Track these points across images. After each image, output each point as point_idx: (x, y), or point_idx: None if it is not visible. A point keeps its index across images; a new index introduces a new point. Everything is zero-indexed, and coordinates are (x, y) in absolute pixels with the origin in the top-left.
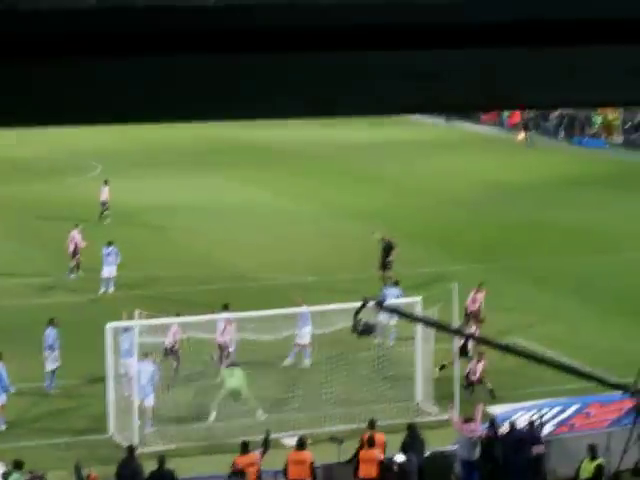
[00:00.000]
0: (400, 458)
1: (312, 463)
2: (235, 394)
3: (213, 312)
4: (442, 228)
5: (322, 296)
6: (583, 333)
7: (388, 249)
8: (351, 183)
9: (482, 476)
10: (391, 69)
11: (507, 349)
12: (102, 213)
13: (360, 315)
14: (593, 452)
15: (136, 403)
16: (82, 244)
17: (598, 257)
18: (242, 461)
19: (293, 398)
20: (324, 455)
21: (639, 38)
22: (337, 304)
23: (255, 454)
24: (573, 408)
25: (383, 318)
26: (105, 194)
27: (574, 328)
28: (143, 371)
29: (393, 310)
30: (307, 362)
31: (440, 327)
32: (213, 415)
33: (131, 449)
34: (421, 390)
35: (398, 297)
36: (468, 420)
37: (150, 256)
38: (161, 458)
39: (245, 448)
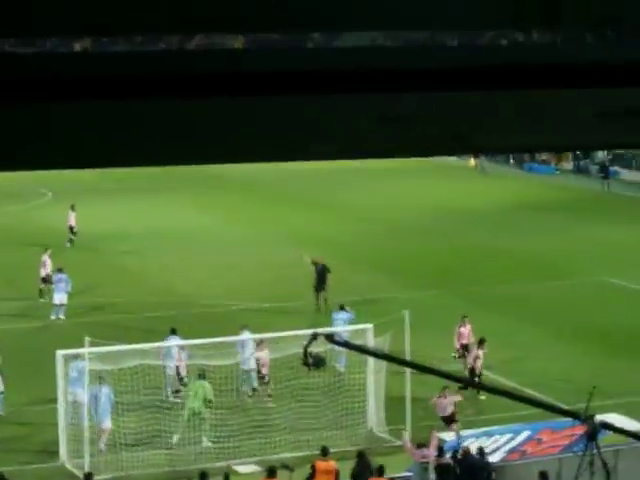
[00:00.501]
0: None
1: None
2: (196, 414)
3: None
4: (393, 255)
5: (273, 322)
6: (535, 359)
7: (322, 272)
8: (302, 209)
9: None
10: (358, 113)
11: (456, 379)
12: (70, 239)
13: (310, 348)
14: (544, 478)
15: (86, 431)
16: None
17: (551, 283)
18: None
19: (244, 425)
20: None
21: (604, 82)
22: (289, 331)
23: None
24: (524, 434)
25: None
26: (72, 219)
27: (526, 354)
28: (101, 395)
29: (344, 344)
30: (251, 387)
31: (390, 359)
32: (176, 438)
33: (88, 476)
34: (374, 416)
35: (349, 321)
36: (421, 445)
37: (100, 282)
38: None
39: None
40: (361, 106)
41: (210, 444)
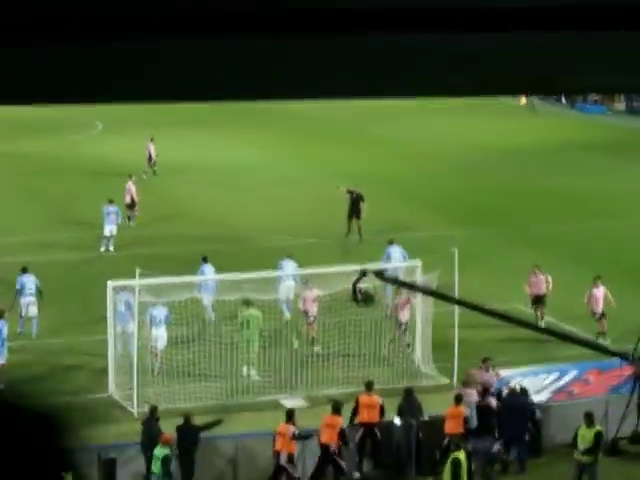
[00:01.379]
0: (397, 421)
1: (343, 429)
2: (250, 342)
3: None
4: (440, 192)
5: (321, 257)
6: (581, 300)
7: (357, 201)
8: (351, 145)
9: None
10: (438, 50)
11: (505, 317)
12: (152, 168)
13: (359, 284)
14: (590, 419)
15: (135, 362)
16: (136, 196)
17: (598, 223)
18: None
19: (292, 359)
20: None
21: None
22: (338, 266)
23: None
24: (571, 375)
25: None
26: (151, 150)
27: (572, 295)
28: (156, 315)
29: (393, 281)
30: (287, 315)
31: (439, 296)
32: (248, 369)
33: (153, 411)
34: (420, 354)
35: (402, 255)
36: (465, 384)
37: (152, 214)
38: (187, 414)
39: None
40: (442, 44)
41: (258, 377)
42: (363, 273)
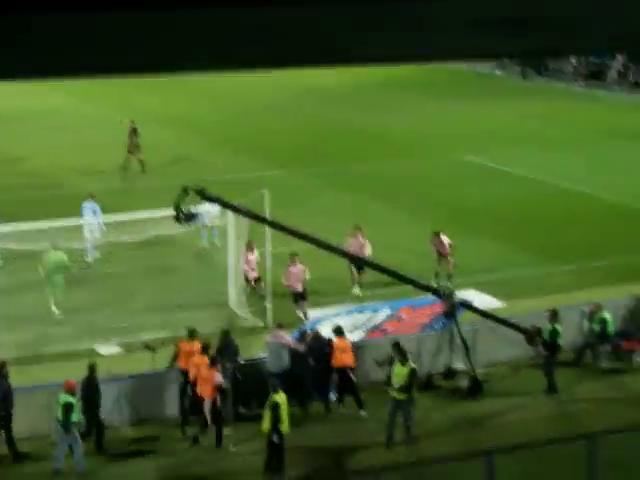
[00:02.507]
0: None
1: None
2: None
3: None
4: (253, 134)
5: (130, 203)
6: (390, 237)
7: (131, 134)
8: (160, 89)
9: (291, 386)
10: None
11: (332, 249)
12: None
13: (182, 204)
14: (398, 349)
15: None
16: None
17: (404, 161)
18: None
19: (106, 306)
20: (138, 364)
21: None
22: (150, 211)
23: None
24: (384, 313)
25: (206, 218)
26: None
27: (381, 232)
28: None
29: (216, 200)
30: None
31: (263, 220)
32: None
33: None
34: (235, 297)
35: (94, 211)
36: (279, 327)
37: None
38: (92, 365)
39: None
40: (234, 18)
41: (57, 312)
42: (185, 191)
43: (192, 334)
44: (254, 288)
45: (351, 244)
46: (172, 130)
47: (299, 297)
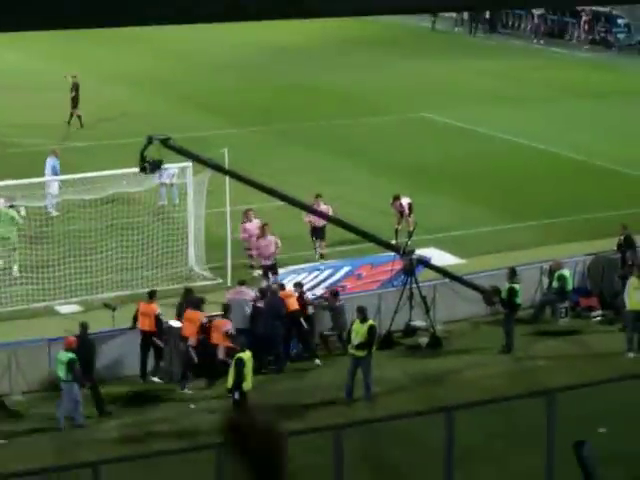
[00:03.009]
0: (176, 324)
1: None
2: (4, 239)
3: None
4: (213, 91)
5: (89, 160)
6: (353, 195)
7: (77, 88)
8: (122, 46)
9: (251, 344)
10: None
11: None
12: None
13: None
14: (363, 314)
15: None
16: None
17: (370, 119)
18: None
19: (65, 264)
20: (98, 322)
21: None
22: (109, 170)
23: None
24: (344, 270)
25: (166, 176)
26: None
27: (343, 188)
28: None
29: (178, 149)
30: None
31: (225, 172)
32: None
33: None
34: (194, 254)
35: (54, 168)
36: (242, 283)
37: None
38: (84, 324)
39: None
40: None
41: (18, 273)
42: (149, 140)
43: (152, 295)
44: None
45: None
46: (132, 87)
47: (269, 270)
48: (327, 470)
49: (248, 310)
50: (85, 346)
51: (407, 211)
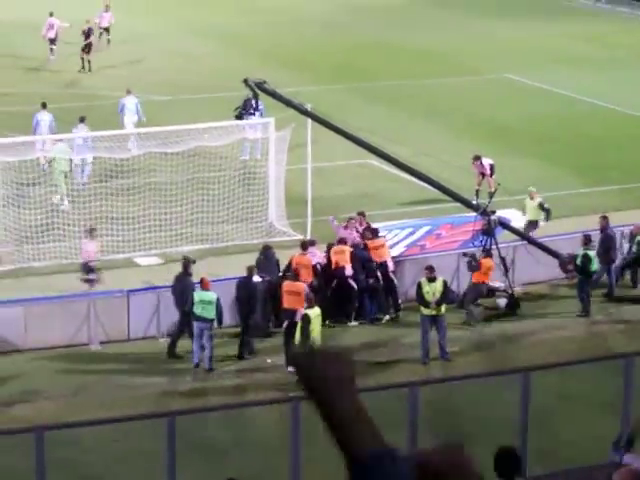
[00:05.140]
0: (256, 278)
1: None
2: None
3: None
4: (294, 47)
5: (176, 116)
6: (434, 155)
7: (88, 34)
8: (199, 1)
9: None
10: None
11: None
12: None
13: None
14: (432, 272)
15: None
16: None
17: (451, 79)
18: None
19: (145, 217)
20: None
21: None
22: (189, 124)
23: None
24: (424, 229)
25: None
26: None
27: (423, 148)
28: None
29: (272, 93)
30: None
31: (313, 117)
32: (57, 199)
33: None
34: (274, 210)
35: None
36: (311, 244)
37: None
38: (250, 267)
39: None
40: None
41: (66, 204)
42: (245, 82)
43: (308, 244)
44: None
45: None
46: (214, 42)
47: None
48: (397, 428)
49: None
50: (249, 289)
51: (488, 172)
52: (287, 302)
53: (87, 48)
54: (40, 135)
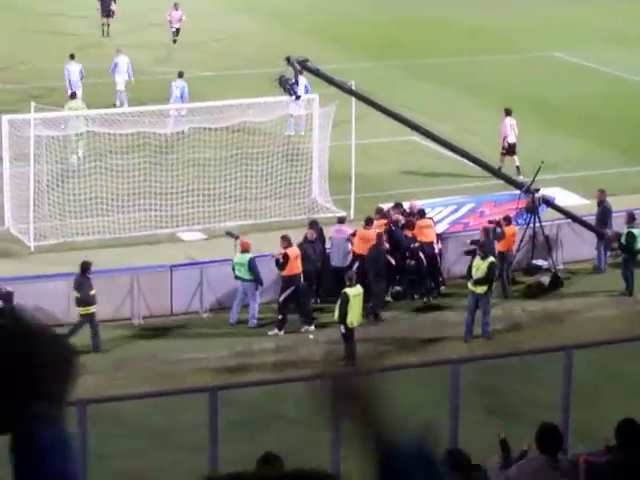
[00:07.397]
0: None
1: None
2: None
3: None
4: (339, 23)
5: (221, 91)
6: (478, 132)
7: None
8: None
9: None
10: None
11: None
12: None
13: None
14: (483, 250)
15: (32, 197)
16: None
17: (499, 57)
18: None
19: (188, 192)
20: (220, 251)
21: None
22: (233, 100)
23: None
24: (467, 207)
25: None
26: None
27: (470, 126)
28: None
29: (315, 71)
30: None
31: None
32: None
33: (85, 266)
34: (317, 186)
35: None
36: (341, 221)
37: (27, 48)
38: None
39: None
40: None
41: (76, 161)
42: (288, 60)
43: (369, 222)
44: None
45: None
46: (258, 18)
47: None
48: (440, 406)
49: (348, 248)
50: (309, 262)
51: (508, 131)
52: (357, 247)
53: (106, 12)
54: (72, 88)
